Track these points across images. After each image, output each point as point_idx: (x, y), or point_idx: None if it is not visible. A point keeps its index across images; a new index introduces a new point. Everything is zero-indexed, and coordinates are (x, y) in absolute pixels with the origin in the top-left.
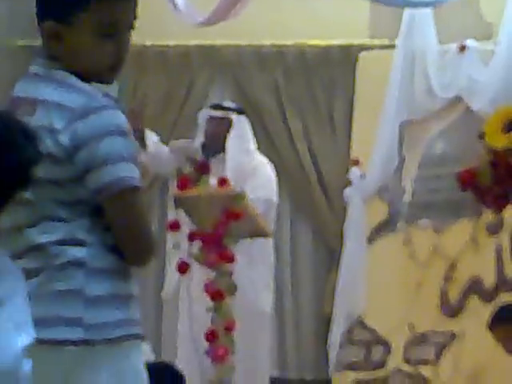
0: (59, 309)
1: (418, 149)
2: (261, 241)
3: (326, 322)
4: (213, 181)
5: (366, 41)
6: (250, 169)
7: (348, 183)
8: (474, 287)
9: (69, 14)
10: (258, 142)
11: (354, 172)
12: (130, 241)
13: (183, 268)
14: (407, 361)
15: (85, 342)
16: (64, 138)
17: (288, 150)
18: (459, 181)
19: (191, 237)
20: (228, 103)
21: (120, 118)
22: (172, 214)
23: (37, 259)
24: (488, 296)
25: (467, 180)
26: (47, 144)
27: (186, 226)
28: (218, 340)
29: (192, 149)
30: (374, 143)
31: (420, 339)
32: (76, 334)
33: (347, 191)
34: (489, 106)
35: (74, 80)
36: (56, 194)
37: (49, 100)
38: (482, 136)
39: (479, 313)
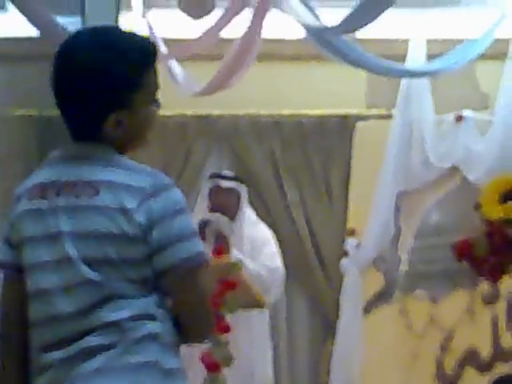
0: (140, 380)
1: (414, 219)
2: (257, 311)
3: None
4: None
5: (363, 111)
6: (261, 238)
7: (344, 253)
8: (470, 358)
9: (128, 99)
10: (255, 211)
11: (351, 242)
12: (198, 317)
13: None
14: None
15: None
16: (139, 217)
17: (284, 220)
18: (455, 251)
19: None
20: (229, 173)
21: (181, 195)
22: None
23: (109, 336)
24: (484, 367)
25: (463, 251)
26: (120, 224)
27: None
28: None
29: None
30: (370, 213)
31: None
32: None
33: (343, 261)
34: (485, 176)
35: (130, 161)
36: (125, 272)
37: (114, 181)
38: (477, 207)
39: None
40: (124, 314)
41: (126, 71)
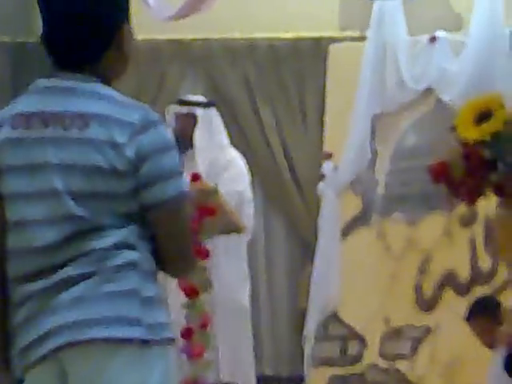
0: (118, 309)
1: (391, 141)
2: (235, 236)
3: (300, 317)
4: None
5: (337, 33)
6: (222, 163)
7: (321, 177)
8: (449, 280)
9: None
10: (229, 135)
11: (327, 166)
12: (181, 251)
13: None
14: (383, 356)
15: (144, 341)
16: (129, 152)
17: (260, 144)
18: (431, 174)
19: None
20: (195, 97)
21: (169, 132)
22: None
23: (89, 264)
24: (463, 289)
25: (439, 173)
26: (110, 157)
27: None
28: (194, 337)
29: None
30: (346, 136)
31: (395, 334)
32: (136, 333)
33: (320, 185)
34: (460, 97)
35: (119, 94)
36: (111, 206)
37: (104, 114)
38: (453, 128)
39: (454, 306)
40: (103, 243)
41: None
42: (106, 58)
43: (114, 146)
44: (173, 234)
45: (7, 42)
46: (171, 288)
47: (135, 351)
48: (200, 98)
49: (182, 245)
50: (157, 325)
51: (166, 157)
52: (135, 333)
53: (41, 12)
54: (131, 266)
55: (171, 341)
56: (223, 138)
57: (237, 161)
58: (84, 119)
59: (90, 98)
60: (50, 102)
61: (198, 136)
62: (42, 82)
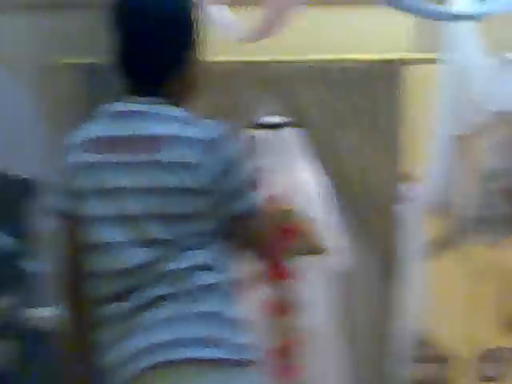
0: (208, 329)
1: (471, 163)
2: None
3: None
4: None
5: (411, 55)
6: (296, 185)
7: (399, 199)
8: None
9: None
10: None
11: (406, 187)
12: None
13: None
14: (475, 378)
15: (235, 362)
16: (202, 171)
17: (339, 166)
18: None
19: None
20: (272, 118)
21: (239, 144)
22: None
23: (173, 285)
24: None
25: None
26: (184, 178)
27: None
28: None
29: None
30: (424, 158)
31: (486, 355)
32: (228, 354)
33: (401, 207)
34: None
35: (185, 112)
36: (189, 227)
37: (174, 135)
38: None
39: None
40: (186, 263)
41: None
42: (173, 83)
43: (187, 166)
44: (252, 238)
45: (83, 63)
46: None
47: (227, 372)
48: (276, 119)
49: (260, 246)
50: (246, 346)
51: (240, 170)
52: (227, 354)
53: (116, 31)
54: (213, 287)
55: (260, 362)
56: (291, 159)
57: (307, 185)
58: (154, 141)
59: (161, 120)
60: (121, 126)
61: (263, 158)
62: (114, 106)
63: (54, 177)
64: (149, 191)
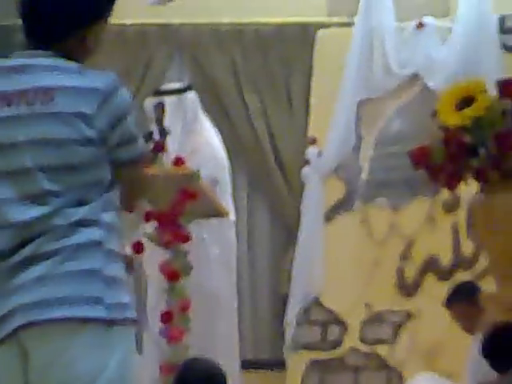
0: (80, 288)
1: (375, 127)
2: (218, 220)
3: (282, 302)
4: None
5: (324, 19)
6: (190, 148)
7: (305, 162)
8: (431, 266)
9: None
10: (215, 119)
11: (312, 151)
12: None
13: (138, 248)
14: (363, 340)
15: (106, 321)
16: (98, 121)
17: (245, 128)
18: (412, 159)
19: (147, 217)
20: (171, 85)
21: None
22: None
23: (52, 242)
24: (444, 275)
25: (420, 158)
26: (80, 129)
27: (142, 206)
28: (174, 321)
29: None
30: (331, 122)
31: (376, 318)
32: (98, 312)
33: (305, 170)
34: (445, 83)
35: (82, 66)
36: (84, 177)
37: (67, 86)
38: (435, 114)
39: (435, 291)
40: (68, 219)
41: None
42: (69, 43)
43: (82, 116)
44: (136, 184)
45: None
46: (152, 272)
47: (97, 331)
48: (176, 85)
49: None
50: (119, 305)
51: (130, 120)
52: (97, 312)
53: None
54: (94, 244)
55: (133, 321)
56: (196, 122)
57: (205, 146)
58: (48, 93)
59: (54, 71)
60: (15, 80)
61: (169, 123)
62: (6, 62)
63: None
64: (44, 143)
